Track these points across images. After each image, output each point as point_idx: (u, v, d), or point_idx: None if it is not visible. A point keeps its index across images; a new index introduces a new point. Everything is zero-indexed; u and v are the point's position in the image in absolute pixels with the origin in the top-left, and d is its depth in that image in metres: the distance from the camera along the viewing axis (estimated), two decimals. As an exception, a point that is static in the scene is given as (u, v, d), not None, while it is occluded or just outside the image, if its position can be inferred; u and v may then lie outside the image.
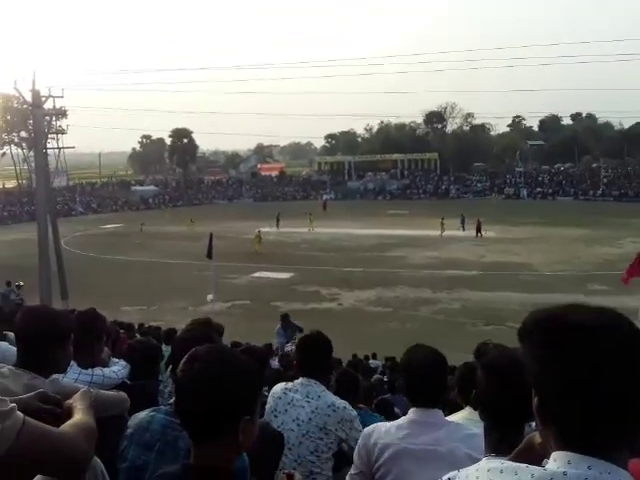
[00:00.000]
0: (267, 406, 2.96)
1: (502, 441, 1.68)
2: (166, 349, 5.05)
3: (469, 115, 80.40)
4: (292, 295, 22.13)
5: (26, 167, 63.25)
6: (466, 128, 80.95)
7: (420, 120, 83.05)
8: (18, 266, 23.28)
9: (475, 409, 2.30)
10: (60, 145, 35.04)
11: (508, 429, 1.70)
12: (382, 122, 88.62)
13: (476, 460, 2.14)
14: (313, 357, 2.93)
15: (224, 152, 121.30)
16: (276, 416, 2.88)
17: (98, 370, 2.79)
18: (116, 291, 22.24)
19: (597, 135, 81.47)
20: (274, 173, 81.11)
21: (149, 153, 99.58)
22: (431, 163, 73.39)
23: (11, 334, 2.85)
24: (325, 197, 65.02)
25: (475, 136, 78.33)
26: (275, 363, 9.33)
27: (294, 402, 2.87)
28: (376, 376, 8.69)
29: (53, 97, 21.07)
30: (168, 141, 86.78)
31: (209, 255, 19.38)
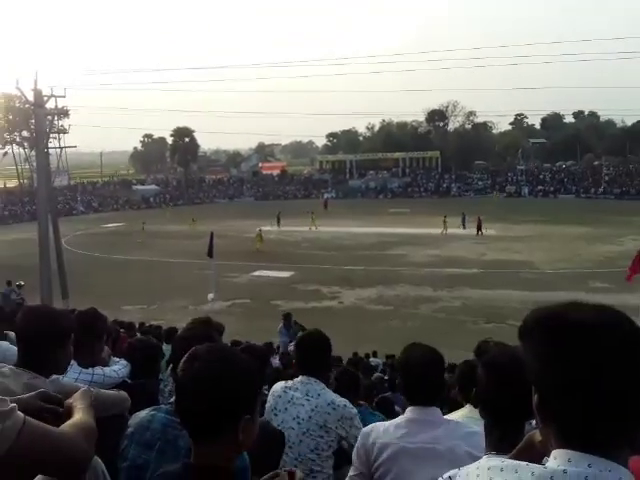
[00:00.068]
0: (267, 405, 2.97)
1: (502, 439, 1.68)
2: (166, 348, 5.05)
3: (471, 113, 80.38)
4: (293, 294, 22.14)
5: (28, 167, 63.27)
6: (468, 126, 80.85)
7: (422, 118, 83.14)
8: (19, 266, 23.32)
9: (475, 407, 2.30)
10: (62, 144, 35.03)
11: (508, 427, 1.70)
12: (384, 120, 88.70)
13: (476, 458, 2.14)
14: (312, 355, 2.94)
15: (225, 151, 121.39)
16: (276, 414, 2.89)
17: (99, 369, 2.79)
18: (117, 290, 22.27)
19: (599, 133, 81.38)
20: (275, 172, 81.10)
21: (150, 152, 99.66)
22: (432, 161, 73.35)
23: (12, 333, 2.85)
24: (326, 196, 64.99)
25: (477, 134, 78.24)
26: (276, 362, 9.34)
27: (294, 400, 2.87)
28: (377, 374, 8.70)
29: (55, 96, 21.07)
30: (169, 140, 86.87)
31: (210, 254, 19.41)
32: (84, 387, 1.67)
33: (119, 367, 2.99)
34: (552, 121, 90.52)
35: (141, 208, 63.00)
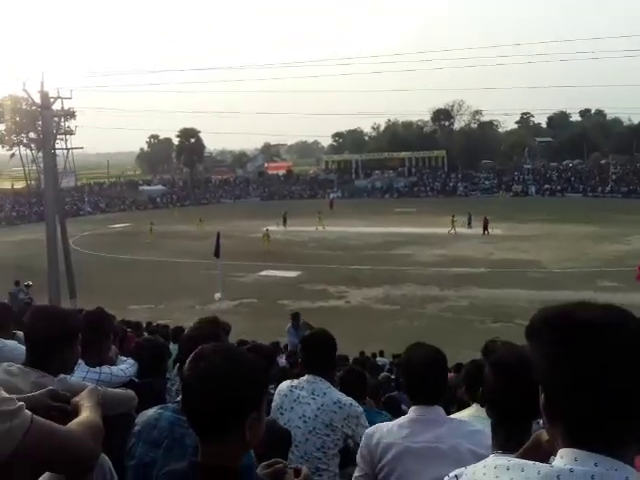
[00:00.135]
0: (273, 404, 2.98)
1: (509, 438, 1.68)
2: (173, 347, 5.07)
3: (477, 112, 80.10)
4: (299, 293, 22.15)
5: (35, 168, 63.59)
6: (474, 125, 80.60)
7: (427, 118, 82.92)
8: (27, 266, 23.48)
9: (482, 406, 2.29)
10: (68, 146, 35.23)
11: (515, 426, 1.70)
12: (389, 120, 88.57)
13: (479, 456, 2.14)
14: (318, 354, 2.95)
15: (231, 151, 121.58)
16: (282, 413, 2.89)
17: (106, 368, 2.81)
18: (124, 290, 22.36)
19: (606, 131, 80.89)
20: (281, 172, 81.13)
21: (157, 153, 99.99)
22: (439, 161, 73.15)
23: (20, 333, 2.87)
24: (332, 196, 64.94)
25: (483, 133, 77.96)
26: (282, 361, 9.34)
27: (300, 399, 2.88)
28: (383, 374, 8.68)
29: (62, 98, 21.22)
30: (175, 141, 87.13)
31: (216, 254, 19.44)
32: (91, 386, 1.68)
33: (126, 366, 3.00)
34: (559, 120, 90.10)
35: (148, 208, 63.23)
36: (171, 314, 18.72)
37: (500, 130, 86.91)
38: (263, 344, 7.19)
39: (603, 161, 70.53)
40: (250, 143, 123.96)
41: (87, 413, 1.44)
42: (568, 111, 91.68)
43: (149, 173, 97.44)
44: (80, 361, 2.47)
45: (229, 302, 20.45)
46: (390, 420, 2.59)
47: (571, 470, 0.93)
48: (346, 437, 2.85)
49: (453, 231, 35.93)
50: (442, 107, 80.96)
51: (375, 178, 72.91)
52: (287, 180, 77.56)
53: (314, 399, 2.85)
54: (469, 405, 2.95)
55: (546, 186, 65.19)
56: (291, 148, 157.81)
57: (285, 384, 3.01)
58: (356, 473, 2.39)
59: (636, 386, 0.91)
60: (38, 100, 20.06)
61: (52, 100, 20.30)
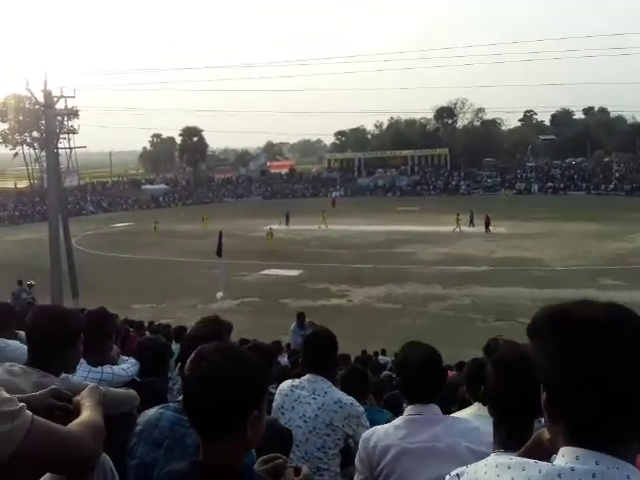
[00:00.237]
0: (274, 403, 2.98)
1: (511, 437, 1.68)
2: (175, 347, 5.08)
3: (480, 110, 79.99)
4: (301, 292, 22.17)
5: (38, 167, 63.79)
6: (477, 123, 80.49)
7: (430, 116, 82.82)
8: (29, 265, 23.54)
9: (484, 405, 2.29)
10: (71, 145, 35.27)
11: (517, 425, 1.70)
12: (392, 118, 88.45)
13: (477, 453, 2.15)
14: (319, 354, 2.95)
15: (234, 150, 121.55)
16: (283, 413, 2.89)
17: (108, 368, 2.81)
18: (126, 289, 22.40)
19: (609, 129, 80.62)
20: (284, 170, 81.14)
21: (159, 152, 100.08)
22: (441, 159, 73.04)
23: (22, 333, 2.88)
24: (334, 194, 64.93)
25: (486, 131, 77.83)
26: (284, 360, 9.34)
27: (301, 399, 2.87)
28: (385, 372, 8.67)
29: (65, 97, 21.23)
30: (178, 140, 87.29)
31: (219, 253, 19.45)
32: (92, 384, 1.68)
33: (128, 365, 3.01)
34: (562, 117, 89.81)
35: (150, 207, 63.38)
36: (173, 313, 18.75)
37: (503, 128, 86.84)
38: (264, 343, 7.20)
39: (606, 159, 70.28)
40: (253, 142, 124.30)
41: (88, 413, 1.44)
42: (571, 109, 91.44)
43: (152, 172, 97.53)
44: (82, 361, 2.47)
45: (231, 301, 20.47)
46: (392, 418, 2.59)
47: (572, 469, 0.93)
48: (347, 437, 2.85)
49: (458, 229, 35.90)
50: (445, 105, 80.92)
51: (378, 176, 72.86)
52: (290, 179, 77.58)
53: (315, 399, 2.84)
54: (471, 404, 2.95)
55: (549, 184, 65.06)
56: (294, 147, 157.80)
57: (286, 384, 3.01)
58: (356, 478, 2.40)
59: (638, 384, 0.91)
60: (41, 99, 20.13)
61: (55, 99, 20.34)
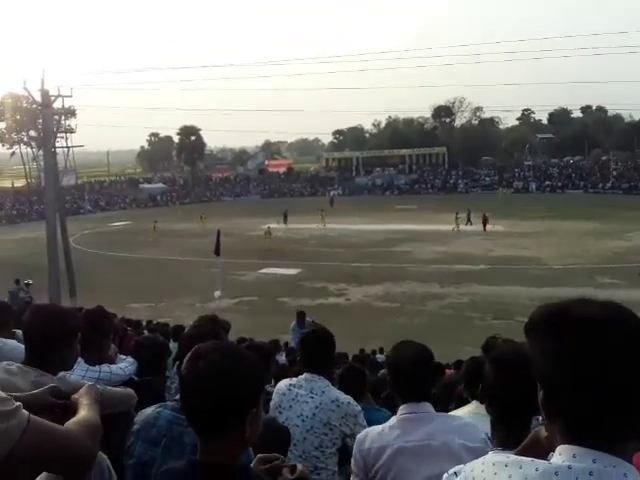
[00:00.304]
0: (272, 402, 2.98)
1: (509, 435, 1.69)
2: (173, 346, 5.08)
3: (478, 109, 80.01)
4: (299, 291, 22.17)
5: (35, 166, 63.60)
6: (475, 122, 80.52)
7: (428, 115, 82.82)
8: (27, 264, 23.49)
9: (482, 403, 2.30)
10: (69, 144, 35.23)
11: (515, 423, 1.70)
12: (390, 117, 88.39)
13: (471, 450, 2.15)
14: (316, 352, 2.95)
15: (232, 149, 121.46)
16: (281, 412, 2.89)
17: (105, 367, 2.81)
18: (124, 288, 22.38)
19: (607, 128, 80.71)
20: (282, 170, 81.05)
21: (157, 151, 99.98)
22: (439, 158, 73.04)
23: (19, 332, 2.87)
24: (333, 193, 64.89)
25: (484, 130, 77.88)
26: (282, 358, 9.35)
27: (298, 398, 2.87)
28: (383, 371, 8.68)
29: (62, 96, 21.20)
30: (176, 139, 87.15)
31: (217, 252, 19.44)
32: (89, 383, 1.68)
33: (126, 364, 3.00)
34: (559, 116, 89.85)
35: (148, 207, 63.32)
36: (171, 312, 18.74)
37: (501, 127, 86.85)
38: (261, 342, 7.21)
39: (604, 157, 70.38)
40: (251, 141, 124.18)
41: (85, 411, 1.43)
42: (569, 107, 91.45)
43: (150, 171, 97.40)
44: (79, 359, 2.47)
45: (229, 300, 20.47)
46: (390, 417, 2.59)
47: (569, 467, 0.93)
48: (344, 436, 2.85)
49: (457, 228, 35.93)
50: (443, 104, 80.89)
51: (376, 175, 72.83)
52: (287, 178, 77.52)
53: (312, 398, 2.84)
54: (469, 402, 2.95)
55: (547, 182, 65.11)
56: (291, 145, 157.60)
57: (284, 382, 3.01)
58: (352, 479, 2.40)
59: (636, 383, 0.91)
60: (39, 98, 20.10)
61: (52, 98, 20.31)
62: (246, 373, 1.33)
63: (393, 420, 2.36)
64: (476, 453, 2.09)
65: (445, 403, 3.89)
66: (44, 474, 1.44)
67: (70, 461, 1.31)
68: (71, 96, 21.71)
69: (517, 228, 35.88)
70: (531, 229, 35.25)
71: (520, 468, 0.98)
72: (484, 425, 2.08)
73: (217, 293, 19.73)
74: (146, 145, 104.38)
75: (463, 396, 3.22)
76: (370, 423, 2.72)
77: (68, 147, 32.31)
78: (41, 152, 28.92)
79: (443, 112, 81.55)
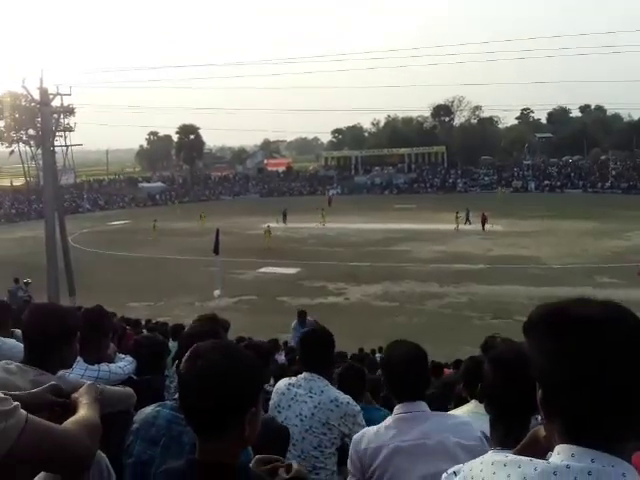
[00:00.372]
0: (271, 402, 2.97)
1: (508, 434, 1.69)
2: (173, 345, 5.08)
3: (477, 108, 79.98)
4: (299, 290, 22.17)
5: (34, 165, 63.57)
6: (474, 121, 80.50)
7: (427, 113, 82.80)
8: (26, 263, 23.47)
9: (481, 402, 2.30)
10: (68, 143, 35.23)
11: (514, 422, 1.71)
12: (389, 116, 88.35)
13: (467, 448, 2.16)
14: (316, 352, 2.94)
15: (231, 148, 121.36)
16: (280, 412, 2.89)
17: (104, 366, 2.81)
18: (123, 287, 22.36)
19: (606, 127, 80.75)
20: (281, 168, 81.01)
21: (156, 150, 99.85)
22: (438, 157, 73.02)
23: (18, 331, 2.87)
24: (331, 192, 64.83)
25: (483, 129, 77.87)
26: (281, 358, 9.35)
27: (297, 397, 2.87)
28: (382, 370, 8.67)
29: (61, 95, 21.20)
30: (175, 138, 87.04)
31: (216, 251, 19.44)
32: (89, 382, 1.68)
33: (125, 363, 3.00)
34: (558, 115, 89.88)
35: (147, 205, 63.29)
36: (170, 311, 18.74)
37: (500, 126, 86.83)
38: (260, 341, 7.21)
39: (603, 157, 70.39)
40: (250, 139, 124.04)
41: (84, 410, 1.43)
42: (568, 107, 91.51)
43: (149, 170, 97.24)
44: (78, 359, 2.47)
45: (228, 299, 20.46)
46: (388, 416, 2.60)
47: (568, 466, 0.93)
48: (343, 436, 2.84)
49: (458, 228, 35.93)
50: (442, 103, 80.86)
51: (375, 174, 72.80)
52: (286, 176, 77.46)
53: (311, 397, 2.84)
54: (468, 401, 2.95)
55: (546, 182, 65.13)
56: (290, 144, 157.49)
57: (283, 382, 3.00)
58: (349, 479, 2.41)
59: (635, 382, 0.91)
60: (37, 97, 20.07)
61: (51, 97, 20.30)
62: (245, 372, 1.33)
63: (389, 420, 2.36)
64: (471, 451, 2.10)
65: (444, 402, 3.90)
66: (42, 473, 1.44)
67: (68, 461, 1.31)
68: (70, 94, 21.74)
69: (516, 227, 35.88)
70: (530, 228, 35.26)
71: (519, 467, 0.97)
72: (483, 424, 2.08)
73: (216, 292, 19.73)
74: (145, 144, 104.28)
75: (462, 395, 3.22)
76: (369, 422, 2.72)
77: (67, 146, 32.40)
78: (40, 151, 28.90)
79: (442, 111, 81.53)
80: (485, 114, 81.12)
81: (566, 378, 0.94)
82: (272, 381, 5.34)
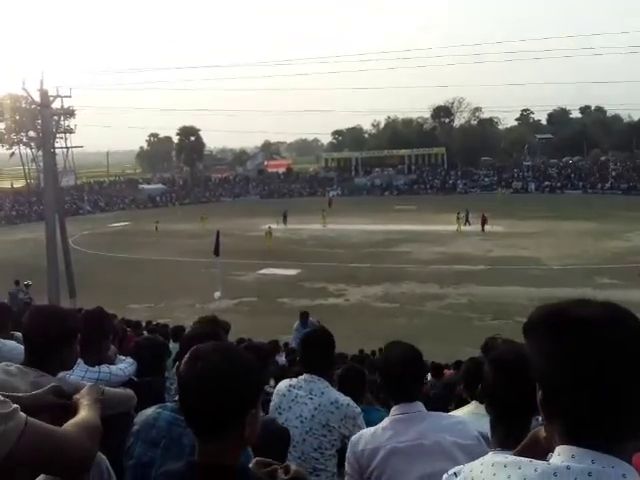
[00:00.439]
0: (272, 403, 2.97)
1: (508, 435, 1.69)
2: (173, 346, 5.09)
3: (477, 109, 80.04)
4: (299, 291, 22.17)
5: (34, 167, 63.56)
6: (474, 122, 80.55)
7: (428, 115, 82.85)
8: (26, 265, 23.48)
9: (481, 403, 2.30)
10: (68, 144, 35.20)
11: (514, 423, 1.71)
12: (389, 117, 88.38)
13: (464, 447, 2.16)
14: (316, 353, 2.94)
15: (231, 150, 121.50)
16: (280, 413, 2.88)
17: (105, 367, 2.81)
18: (124, 289, 22.36)
19: (606, 128, 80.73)
20: (281, 170, 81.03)
21: (157, 151, 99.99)
22: (438, 158, 73.03)
23: (18, 334, 2.87)
24: (332, 194, 64.85)
25: (483, 130, 77.92)
26: (282, 359, 9.35)
27: (298, 399, 2.87)
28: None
29: (61, 97, 21.20)
30: (175, 139, 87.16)
31: (216, 252, 19.44)
32: (91, 383, 1.68)
33: (125, 365, 3.00)
34: (558, 116, 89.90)
35: (147, 207, 63.27)
36: (171, 313, 18.73)
37: (500, 127, 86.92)
38: (260, 342, 7.21)
39: (603, 158, 70.39)
40: (250, 141, 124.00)
41: (85, 412, 1.43)
42: (568, 108, 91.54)
43: (149, 172, 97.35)
44: (79, 360, 2.47)
45: (229, 301, 20.45)
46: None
47: (568, 467, 0.93)
48: (343, 437, 2.84)
49: (460, 229, 35.92)
50: (442, 104, 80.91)
51: (375, 176, 72.82)
52: (287, 178, 77.50)
53: (311, 399, 2.84)
54: (468, 402, 2.96)
55: (546, 183, 65.14)
56: (291, 146, 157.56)
57: (284, 383, 3.00)
58: None
59: (635, 383, 0.92)
60: (38, 99, 20.09)
61: (51, 98, 20.31)
62: (245, 374, 1.33)
63: (386, 421, 2.37)
64: (468, 450, 2.10)
65: (445, 403, 3.90)
66: (42, 476, 1.43)
67: (68, 463, 1.30)
68: (70, 96, 21.72)
69: (516, 228, 35.87)
70: (530, 229, 35.24)
71: (519, 469, 0.98)
72: (483, 425, 2.08)
73: (217, 294, 19.72)
74: (145, 146, 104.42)
75: (463, 396, 3.23)
76: (370, 424, 2.72)
77: (67, 147, 32.36)
78: (40, 153, 28.89)
79: (442, 112, 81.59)
80: (485, 115, 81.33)
81: (566, 379, 0.94)
82: (272, 382, 5.35)
